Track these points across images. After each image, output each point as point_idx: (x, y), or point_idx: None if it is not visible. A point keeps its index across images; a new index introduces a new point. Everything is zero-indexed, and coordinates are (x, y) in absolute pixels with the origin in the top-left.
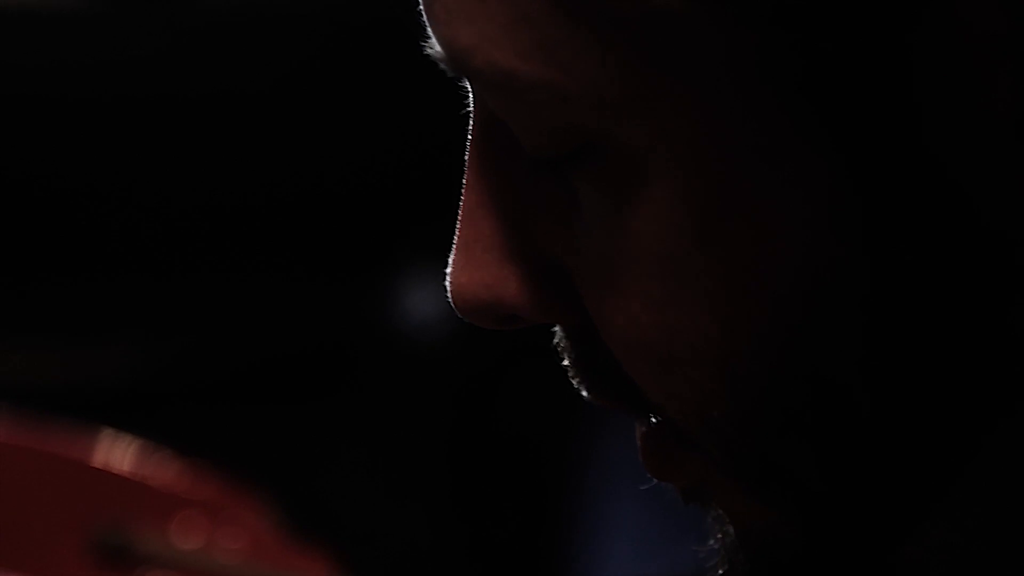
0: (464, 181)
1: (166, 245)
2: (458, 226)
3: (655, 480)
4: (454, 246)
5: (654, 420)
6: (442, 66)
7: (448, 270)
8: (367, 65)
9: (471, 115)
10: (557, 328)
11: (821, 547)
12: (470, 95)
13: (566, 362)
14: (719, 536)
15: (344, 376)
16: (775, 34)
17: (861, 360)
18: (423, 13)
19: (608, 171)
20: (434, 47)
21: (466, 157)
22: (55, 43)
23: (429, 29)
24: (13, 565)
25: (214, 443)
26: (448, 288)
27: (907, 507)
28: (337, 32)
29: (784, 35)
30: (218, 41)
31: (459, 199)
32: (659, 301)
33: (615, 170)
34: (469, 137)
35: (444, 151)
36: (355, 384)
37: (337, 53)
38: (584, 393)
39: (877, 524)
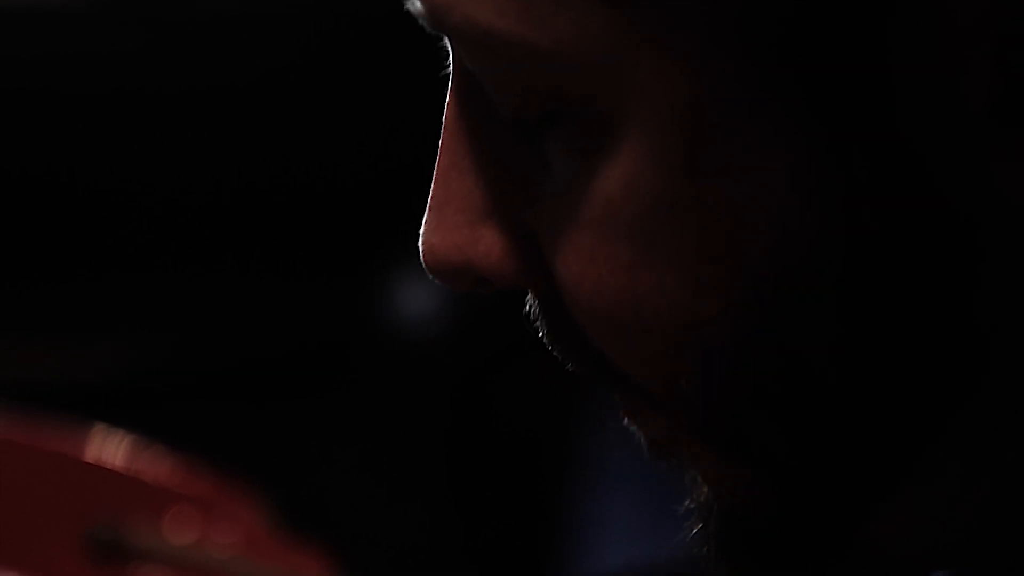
0: (440, 142)
1: (160, 242)
2: (432, 187)
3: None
4: (427, 207)
5: (624, 390)
6: (421, 22)
7: (421, 231)
8: (358, 62)
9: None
10: (529, 296)
11: (791, 512)
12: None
13: (539, 331)
14: (694, 495)
15: (338, 372)
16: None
17: (831, 335)
18: None
19: (580, 133)
20: (414, 3)
21: (443, 118)
22: (45, 38)
23: None
24: (6, 561)
25: (208, 439)
26: (420, 249)
27: (873, 480)
28: (326, 30)
29: (766, 2)
30: (211, 37)
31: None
32: (627, 265)
33: (587, 132)
34: (447, 96)
35: (438, 148)
36: (350, 380)
37: (326, 50)
38: (561, 361)
39: (845, 495)
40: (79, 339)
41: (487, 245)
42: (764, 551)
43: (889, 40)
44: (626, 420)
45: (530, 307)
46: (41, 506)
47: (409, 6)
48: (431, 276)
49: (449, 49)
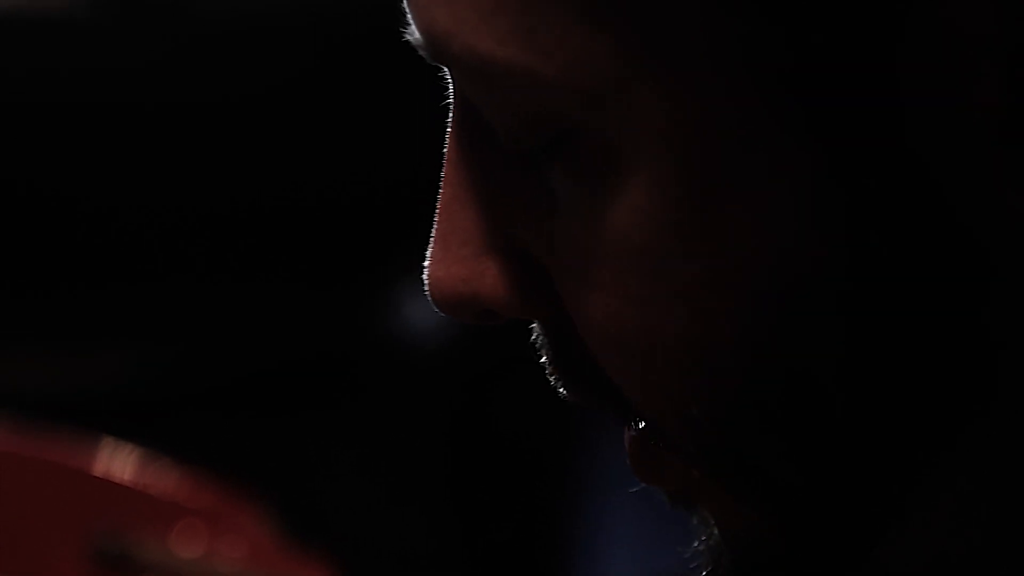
0: (442, 174)
1: (166, 253)
2: (436, 219)
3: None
4: (431, 239)
5: (635, 423)
6: (421, 52)
7: (425, 264)
8: (364, 74)
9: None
10: (535, 325)
11: (801, 548)
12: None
13: (544, 360)
14: (704, 538)
15: (342, 384)
16: (762, 25)
17: (838, 357)
18: None
19: (584, 162)
20: (413, 33)
21: (444, 149)
22: (48, 49)
23: (409, 14)
24: (13, 573)
25: (213, 451)
26: (425, 282)
27: (881, 501)
28: (332, 41)
29: (771, 27)
30: (215, 48)
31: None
32: (637, 296)
33: (591, 161)
34: (448, 128)
35: (441, 160)
36: (353, 392)
37: (333, 62)
38: (562, 392)
39: (852, 519)
40: (85, 351)
41: (493, 277)
42: None
43: (899, 61)
44: (643, 476)
45: (536, 336)
46: (48, 519)
47: (409, 37)
48: (437, 310)
49: (449, 80)
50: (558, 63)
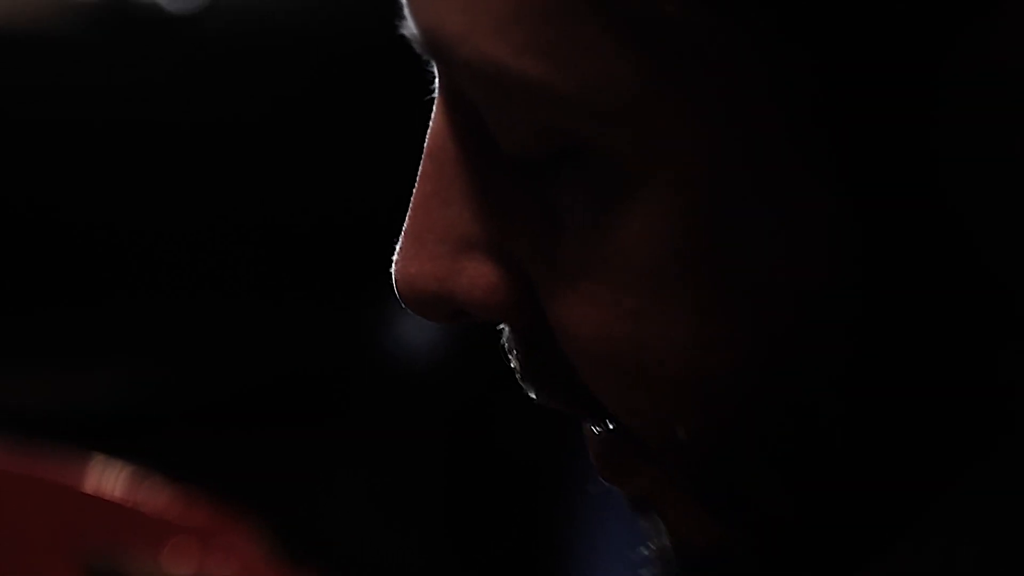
0: (420, 168)
1: (159, 269)
2: (409, 214)
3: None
4: (403, 234)
5: (610, 427)
6: (415, 47)
7: (395, 258)
8: (358, 94)
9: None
10: (504, 328)
11: (775, 568)
12: (436, 79)
13: (513, 363)
14: (652, 546)
15: (337, 400)
16: (793, 53)
17: (841, 393)
18: None
19: (590, 178)
20: (409, 28)
21: (425, 144)
22: (46, 67)
23: (406, 8)
24: None
25: (206, 469)
26: (394, 277)
27: (866, 537)
28: (330, 63)
29: (804, 56)
30: (213, 68)
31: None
32: (632, 313)
33: (599, 178)
34: (431, 123)
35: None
36: (348, 408)
37: (325, 84)
38: (532, 395)
39: (836, 551)
40: (78, 368)
41: (470, 278)
42: None
43: (937, 101)
44: (606, 474)
45: (505, 339)
46: (39, 537)
47: (404, 31)
48: (405, 306)
49: (437, 73)
50: (576, 78)
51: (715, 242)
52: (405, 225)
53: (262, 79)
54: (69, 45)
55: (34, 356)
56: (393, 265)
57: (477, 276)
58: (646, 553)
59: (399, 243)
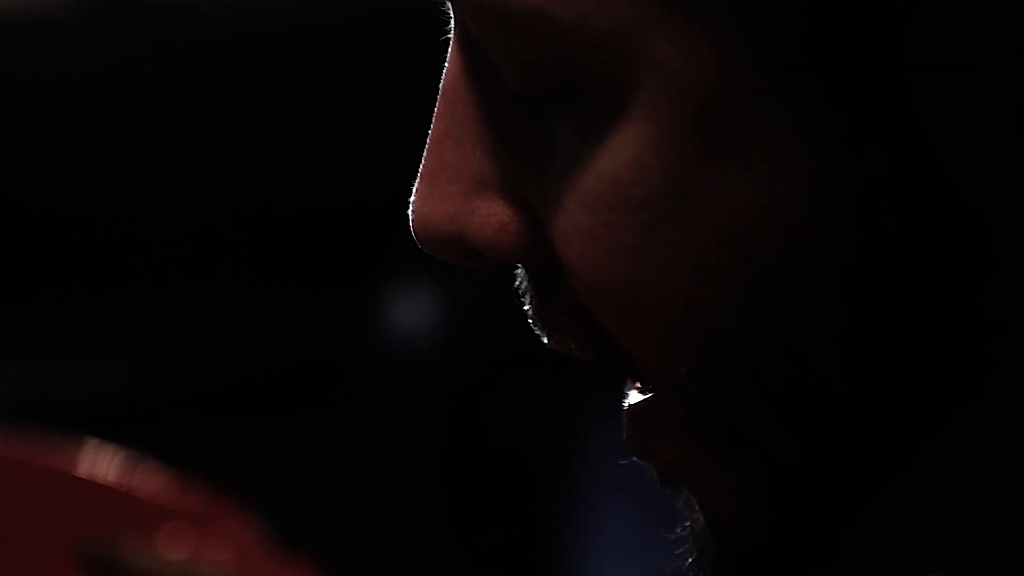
0: (435, 109)
1: (155, 258)
2: (425, 155)
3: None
4: (419, 174)
5: (624, 375)
6: None
7: (412, 199)
8: (355, 83)
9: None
10: (520, 271)
11: (787, 527)
12: (451, 21)
13: (527, 307)
14: (688, 524)
15: (333, 389)
16: None
17: (836, 329)
18: None
19: (589, 110)
20: None
21: (440, 85)
22: (44, 57)
23: None
24: None
25: (202, 455)
26: (410, 217)
27: (870, 479)
28: (326, 51)
29: None
30: (208, 56)
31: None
32: (631, 249)
33: (596, 110)
34: (446, 63)
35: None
36: (344, 397)
37: (322, 72)
38: (545, 340)
39: (840, 495)
40: (73, 355)
41: (483, 217)
42: (758, 569)
43: (913, 34)
44: (636, 450)
45: (520, 282)
46: (34, 522)
47: None
48: (420, 246)
49: (452, 13)
50: (576, 9)
51: (705, 173)
52: (421, 165)
53: (261, 68)
54: (67, 34)
55: (31, 345)
56: (410, 205)
57: (489, 215)
58: (682, 532)
59: (416, 184)
